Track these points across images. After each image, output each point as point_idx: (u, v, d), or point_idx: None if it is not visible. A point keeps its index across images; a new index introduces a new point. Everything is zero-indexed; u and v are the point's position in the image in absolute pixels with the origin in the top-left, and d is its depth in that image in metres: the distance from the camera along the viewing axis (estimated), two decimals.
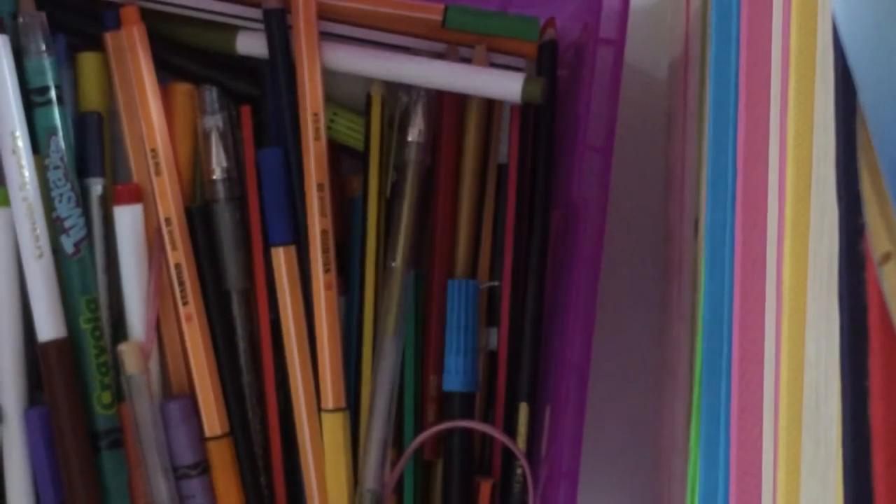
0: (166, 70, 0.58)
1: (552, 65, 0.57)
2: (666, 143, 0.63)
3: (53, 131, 0.56)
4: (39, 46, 0.56)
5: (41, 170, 0.56)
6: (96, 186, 0.58)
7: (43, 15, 0.56)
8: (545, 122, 0.57)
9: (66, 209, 0.56)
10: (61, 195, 0.56)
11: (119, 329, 0.58)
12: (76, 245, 0.56)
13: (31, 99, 0.56)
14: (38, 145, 0.56)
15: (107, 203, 0.58)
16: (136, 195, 0.57)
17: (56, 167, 0.56)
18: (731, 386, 0.38)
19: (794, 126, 0.32)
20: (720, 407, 0.40)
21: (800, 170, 0.31)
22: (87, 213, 0.57)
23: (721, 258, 0.41)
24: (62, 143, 0.56)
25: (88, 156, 0.58)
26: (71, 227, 0.56)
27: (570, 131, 0.57)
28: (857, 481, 0.25)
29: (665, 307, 0.61)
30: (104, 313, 0.57)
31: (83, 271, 0.56)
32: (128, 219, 0.57)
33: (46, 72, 0.56)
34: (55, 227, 0.56)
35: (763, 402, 0.36)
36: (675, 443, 0.53)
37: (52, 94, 0.56)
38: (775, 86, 0.35)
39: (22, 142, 0.55)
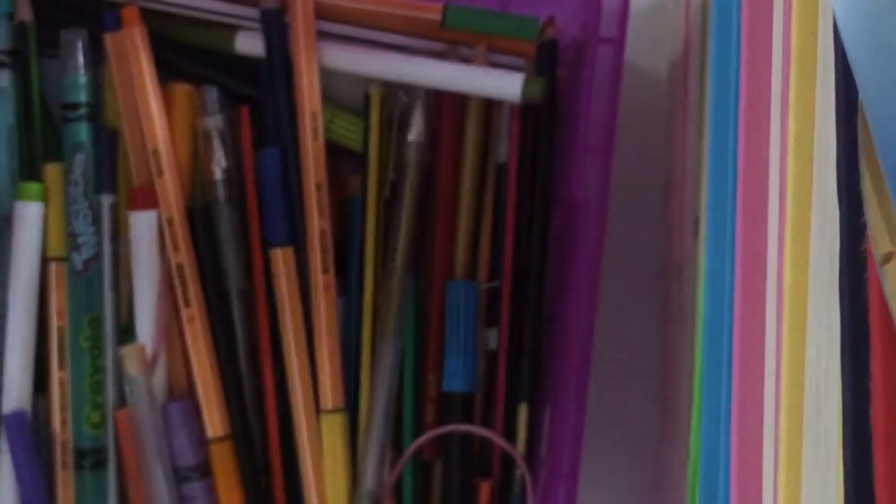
0: (164, 70, 0.58)
1: (552, 64, 0.57)
2: (666, 142, 0.63)
3: (80, 147, 0.56)
4: (77, 62, 0.56)
5: (63, 183, 0.56)
6: (107, 202, 0.57)
7: (85, 32, 0.56)
8: (545, 122, 0.57)
9: (81, 226, 0.56)
10: (78, 211, 0.56)
11: (128, 338, 0.57)
12: (86, 262, 0.56)
13: (63, 113, 0.56)
14: (62, 158, 0.56)
15: (117, 219, 0.57)
16: (152, 200, 0.56)
17: (77, 183, 0.56)
18: (732, 386, 0.38)
19: (795, 125, 0.31)
20: (720, 407, 0.40)
21: (800, 169, 0.31)
22: (98, 229, 0.57)
23: (721, 258, 0.41)
24: (86, 160, 0.56)
25: (101, 172, 0.57)
26: (83, 245, 0.56)
27: (570, 131, 0.57)
28: (858, 482, 0.25)
29: (665, 307, 0.61)
30: (108, 331, 0.57)
31: (90, 289, 0.56)
32: (143, 224, 0.56)
33: (80, 88, 0.56)
34: (68, 243, 0.55)
35: (763, 403, 0.36)
36: (676, 443, 0.53)
37: (84, 110, 0.56)
38: (776, 85, 0.35)
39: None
